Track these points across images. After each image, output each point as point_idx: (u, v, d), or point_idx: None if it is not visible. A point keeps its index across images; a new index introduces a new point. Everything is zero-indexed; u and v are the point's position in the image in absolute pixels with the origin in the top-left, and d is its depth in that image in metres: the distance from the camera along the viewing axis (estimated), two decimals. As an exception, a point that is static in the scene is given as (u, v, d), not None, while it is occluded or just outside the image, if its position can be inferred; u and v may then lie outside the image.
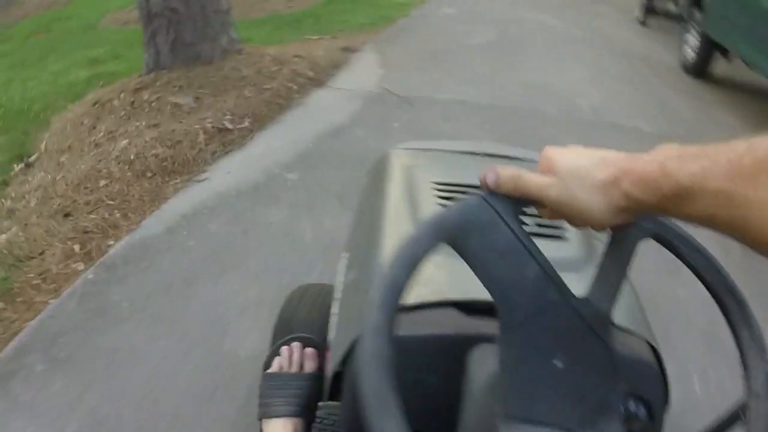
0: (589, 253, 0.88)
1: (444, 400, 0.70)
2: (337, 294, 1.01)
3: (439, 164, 1.15)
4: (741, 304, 0.60)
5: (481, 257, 0.53)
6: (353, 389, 0.75)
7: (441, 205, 0.91)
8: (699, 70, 5.54)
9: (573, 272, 0.75)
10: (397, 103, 4.01)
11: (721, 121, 4.28)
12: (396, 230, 0.91)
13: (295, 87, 4.11)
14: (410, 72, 4.76)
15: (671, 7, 7.41)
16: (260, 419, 1.03)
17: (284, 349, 1.10)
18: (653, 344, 0.76)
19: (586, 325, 0.56)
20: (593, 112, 4.22)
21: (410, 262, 0.51)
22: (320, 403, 1.04)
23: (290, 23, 7.27)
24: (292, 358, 1.09)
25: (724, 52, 5.07)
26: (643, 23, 7.71)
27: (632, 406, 0.66)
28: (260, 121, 3.67)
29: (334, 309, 0.99)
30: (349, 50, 5.32)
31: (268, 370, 1.09)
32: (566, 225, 0.66)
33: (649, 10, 7.68)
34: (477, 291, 0.56)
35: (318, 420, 1.03)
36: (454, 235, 0.53)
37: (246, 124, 3.57)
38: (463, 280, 0.66)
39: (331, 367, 0.85)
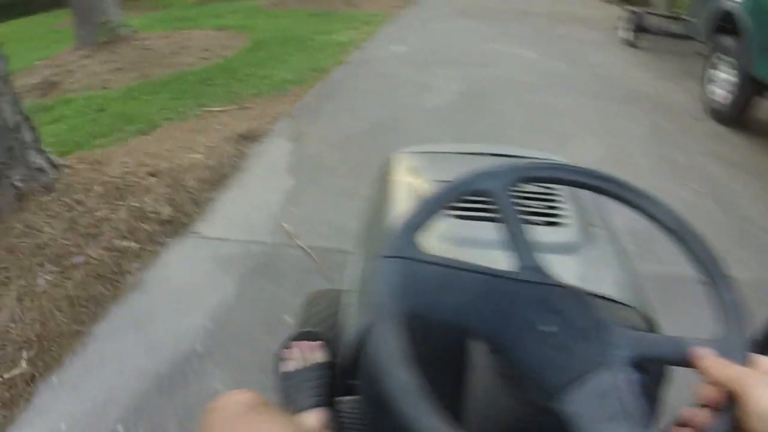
0: (585, 238, 0.88)
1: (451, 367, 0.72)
2: (346, 288, 1.03)
3: (442, 165, 1.16)
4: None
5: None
6: (368, 373, 0.77)
7: (458, 219, 0.91)
8: (735, 116, 4.05)
9: (569, 255, 0.83)
10: (302, 268, 2.38)
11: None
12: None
13: (132, 247, 2.47)
14: (331, 179, 3.14)
15: (669, 26, 5.96)
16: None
17: (294, 349, 1.13)
18: (649, 316, 0.77)
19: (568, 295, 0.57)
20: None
21: (428, 209, 0.58)
22: (342, 398, 1.06)
23: (196, 84, 5.62)
24: (304, 354, 1.12)
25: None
26: (632, 45, 6.27)
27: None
28: (42, 362, 1.92)
29: (345, 300, 1.00)
30: (249, 138, 3.69)
31: (285, 371, 1.12)
32: (561, 210, 0.90)
33: (639, 29, 6.26)
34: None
35: (341, 414, 1.05)
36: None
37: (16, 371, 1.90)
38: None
39: (344, 354, 0.84)
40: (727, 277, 0.59)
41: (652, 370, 0.66)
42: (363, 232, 1.10)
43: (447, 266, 0.56)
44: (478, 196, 0.61)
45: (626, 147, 3.66)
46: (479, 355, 0.68)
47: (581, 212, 0.94)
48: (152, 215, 2.65)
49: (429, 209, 0.59)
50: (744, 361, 0.53)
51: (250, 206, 2.86)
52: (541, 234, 0.79)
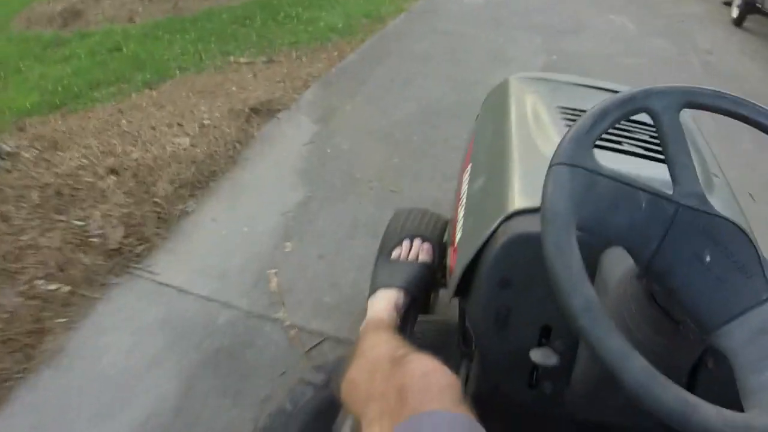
0: (707, 186, 0.83)
1: None
2: (462, 200, 1.02)
3: (559, 91, 1.15)
4: None
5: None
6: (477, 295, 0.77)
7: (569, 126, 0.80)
8: None
9: None
10: (282, 360, 1.60)
11: None
12: (524, 144, 0.93)
13: (60, 292, 1.73)
14: (358, 200, 2.28)
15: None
16: (369, 296, 1.09)
17: (406, 241, 1.18)
18: (749, 235, 0.68)
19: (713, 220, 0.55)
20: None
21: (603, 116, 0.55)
22: (419, 317, 1.11)
23: (228, 24, 4.79)
24: (411, 249, 1.16)
25: None
26: (738, 24, 5.04)
27: None
28: None
29: (460, 214, 0.99)
30: (262, 112, 2.87)
31: (392, 257, 1.16)
32: None
33: (750, 7, 4.99)
34: None
35: (417, 334, 1.08)
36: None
37: None
38: None
39: (458, 265, 0.83)
40: None
41: None
42: (479, 145, 1.09)
43: (622, 182, 0.52)
44: (642, 113, 0.57)
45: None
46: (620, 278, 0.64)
47: (701, 160, 0.93)
48: (96, 240, 1.90)
49: (601, 121, 0.55)
50: None
51: (233, 234, 2.05)
52: (666, 174, 0.73)
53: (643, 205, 0.53)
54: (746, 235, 0.55)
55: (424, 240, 1.18)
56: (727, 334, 0.51)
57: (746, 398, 0.47)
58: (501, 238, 0.74)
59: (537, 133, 0.96)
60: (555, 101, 1.05)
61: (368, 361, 0.70)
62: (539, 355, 0.74)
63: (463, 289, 0.82)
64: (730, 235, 0.55)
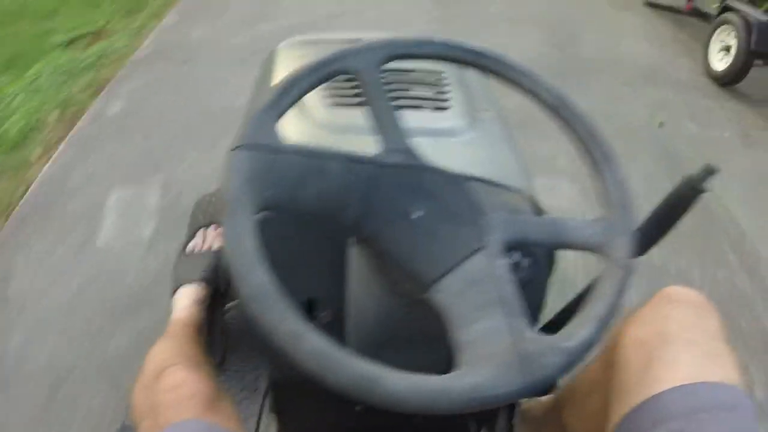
0: (471, 122, 0.86)
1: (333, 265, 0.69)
2: None
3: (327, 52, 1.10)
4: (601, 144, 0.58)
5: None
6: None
7: (325, 97, 0.86)
8: None
9: (453, 139, 0.81)
10: None
11: None
12: (292, 129, 0.87)
13: None
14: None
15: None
16: (172, 296, 1.05)
17: (200, 231, 1.13)
18: (535, 200, 0.75)
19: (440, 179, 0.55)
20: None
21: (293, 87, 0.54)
22: (229, 305, 1.09)
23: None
24: (206, 238, 1.12)
25: None
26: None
27: (515, 256, 0.64)
28: None
29: None
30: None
31: (185, 250, 1.12)
32: (447, 94, 0.89)
33: None
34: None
35: (229, 322, 1.06)
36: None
37: None
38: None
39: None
40: (612, 155, 0.57)
41: (537, 255, 0.64)
42: None
43: (305, 154, 0.52)
44: (344, 75, 0.57)
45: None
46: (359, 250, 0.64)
47: (469, 96, 0.92)
48: None
49: (287, 94, 0.54)
50: (628, 245, 0.52)
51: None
52: (425, 119, 0.82)
53: (336, 173, 0.52)
54: (460, 182, 0.55)
55: (217, 225, 1.13)
56: (440, 289, 0.50)
57: (455, 355, 0.46)
58: None
59: (296, 110, 0.96)
60: None
61: (144, 376, 0.68)
62: None
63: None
64: (442, 186, 0.54)
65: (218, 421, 0.57)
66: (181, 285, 1.03)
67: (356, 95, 0.83)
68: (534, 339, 0.46)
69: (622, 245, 0.52)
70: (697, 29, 3.69)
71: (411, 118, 0.67)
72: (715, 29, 3.25)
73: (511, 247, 0.52)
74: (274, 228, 0.67)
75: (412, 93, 0.88)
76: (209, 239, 1.11)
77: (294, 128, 0.76)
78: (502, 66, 0.61)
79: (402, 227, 0.52)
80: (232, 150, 0.49)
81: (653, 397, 0.50)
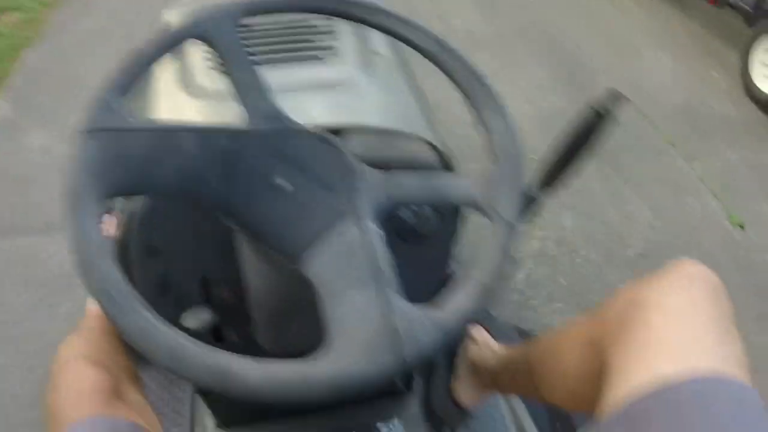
0: (361, 70, 0.80)
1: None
2: None
3: None
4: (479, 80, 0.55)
5: None
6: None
7: (212, 70, 0.80)
8: None
9: (344, 88, 0.76)
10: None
11: None
12: (169, 102, 0.81)
13: None
14: None
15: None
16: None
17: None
18: (441, 148, 0.71)
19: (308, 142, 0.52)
20: None
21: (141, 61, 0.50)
22: None
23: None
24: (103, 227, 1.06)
25: None
26: None
27: (405, 213, 0.65)
28: None
29: None
30: None
31: None
32: (332, 42, 0.81)
33: None
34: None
35: None
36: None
37: None
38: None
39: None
40: (498, 102, 0.54)
41: (445, 213, 0.60)
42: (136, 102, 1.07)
43: (156, 132, 0.48)
44: (198, 41, 0.53)
45: None
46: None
47: (359, 42, 0.85)
48: None
49: (135, 68, 0.50)
50: (513, 201, 0.49)
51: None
52: (313, 72, 0.78)
53: (192, 148, 0.48)
54: (331, 141, 0.52)
55: (111, 213, 0.98)
56: (309, 259, 0.47)
57: (324, 331, 0.43)
58: (139, 209, 0.68)
59: (182, 87, 0.79)
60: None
61: (52, 375, 0.63)
62: (191, 319, 0.71)
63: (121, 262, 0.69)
64: (310, 149, 0.51)
65: (123, 414, 0.54)
66: None
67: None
68: (406, 312, 0.43)
69: (507, 202, 0.49)
70: (720, 21, 2.99)
71: (295, 73, 0.74)
72: (756, 37, 2.59)
73: (385, 209, 0.50)
74: (162, 211, 0.65)
75: (297, 45, 0.82)
76: (105, 229, 1.02)
77: (173, 101, 0.75)
78: (375, 14, 0.57)
79: (266, 198, 0.48)
80: (77, 135, 0.46)
81: (666, 388, 0.45)
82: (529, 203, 0.68)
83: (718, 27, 3.11)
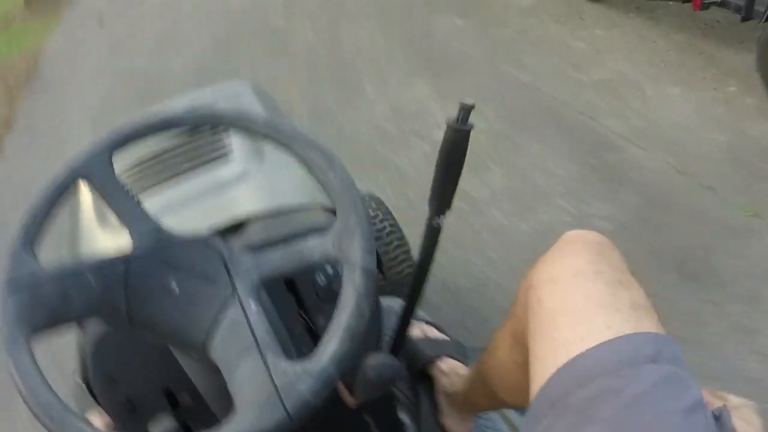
0: (255, 159, 0.89)
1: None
2: None
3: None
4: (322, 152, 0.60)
5: None
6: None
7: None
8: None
9: (239, 182, 0.85)
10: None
11: None
12: (88, 234, 0.91)
13: None
14: None
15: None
16: None
17: None
18: (328, 205, 0.77)
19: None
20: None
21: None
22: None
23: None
24: None
25: None
26: None
27: (318, 277, 0.74)
28: None
29: None
30: None
31: None
32: (227, 140, 0.89)
33: None
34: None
35: None
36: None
37: None
38: None
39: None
40: (333, 157, 0.59)
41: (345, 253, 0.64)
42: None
43: (59, 274, 0.54)
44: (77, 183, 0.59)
45: None
46: None
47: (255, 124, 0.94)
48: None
49: (36, 218, 0.56)
50: (361, 244, 0.54)
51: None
52: (208, 177, 0.83)
53: (92, 281, 0.54)
54: (209, 241, 0.58)
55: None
56: (211, 344, 0.53)
57: (234, 404, 0.49)
58: (84, 345, 0.75)
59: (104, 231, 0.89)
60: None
61: None
62: (157, 429, 0.75)
63: (90, 392, 0.80)
64: (191, 251, 0.57)
65: None
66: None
67: (159, 172, 0.88)
68: (286, 369, 0.49)
69: (355, 247, 0.53)
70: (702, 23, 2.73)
71: (194, 183, 0.83)
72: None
73: (260, 285, 0.55)
74: (112, 341, 0.72)
75: (192, 154, 0.88)
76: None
77: (90, 234, 0.84)
78: (217, 118, 0.64)
79: (164, 304, 0.54)
80: None
81: (577, 357, 0.47)
82: (435, 233, 0.75)
83: (701, 29, 2.92)
